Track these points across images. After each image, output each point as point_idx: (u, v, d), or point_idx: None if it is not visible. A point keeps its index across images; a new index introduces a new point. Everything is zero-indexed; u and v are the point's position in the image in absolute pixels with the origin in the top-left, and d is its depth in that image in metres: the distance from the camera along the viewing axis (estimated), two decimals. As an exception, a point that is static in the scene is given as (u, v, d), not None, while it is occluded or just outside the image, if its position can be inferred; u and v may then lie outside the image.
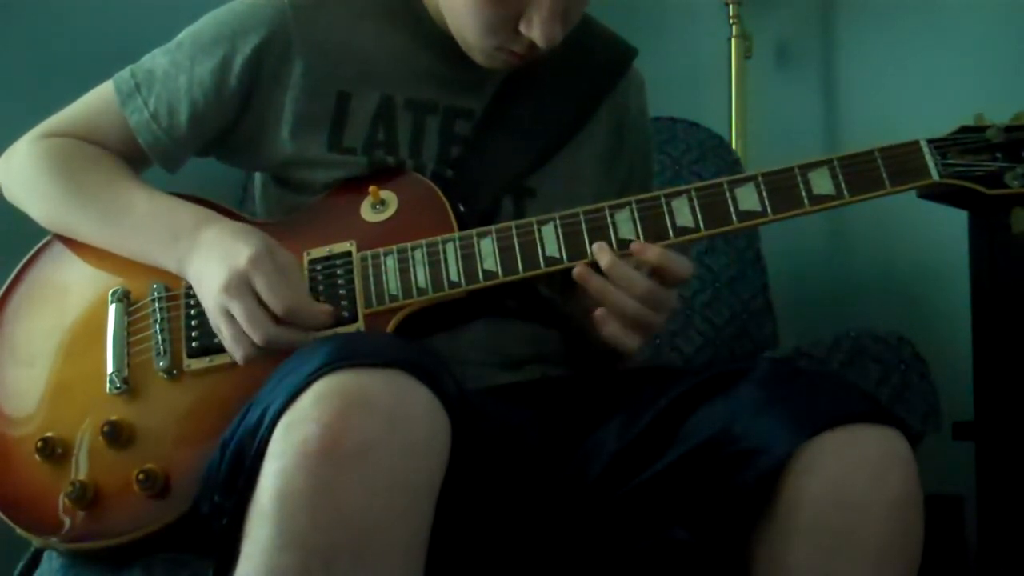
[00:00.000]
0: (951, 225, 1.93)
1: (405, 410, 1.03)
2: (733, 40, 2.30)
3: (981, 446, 1.86)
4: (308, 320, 1.22)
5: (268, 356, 1.22)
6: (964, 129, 1.25)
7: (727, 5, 2.31)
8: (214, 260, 1.24)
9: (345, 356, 1.04)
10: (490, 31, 1.29)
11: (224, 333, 1.23)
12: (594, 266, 1.24)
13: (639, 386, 1.29)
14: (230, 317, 1.22)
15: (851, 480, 1.11)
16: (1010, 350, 1.85)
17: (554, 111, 1.40)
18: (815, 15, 2.39)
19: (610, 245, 1.24)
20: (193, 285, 1.27)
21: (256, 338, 1.21)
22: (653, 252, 1.23)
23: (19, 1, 1.93)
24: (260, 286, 1.21)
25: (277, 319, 1.21)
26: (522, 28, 1.27)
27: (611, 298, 1.22)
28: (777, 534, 1.13)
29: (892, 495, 1.11)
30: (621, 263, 1.22)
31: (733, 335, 1.90)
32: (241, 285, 1.21)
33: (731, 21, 2.30)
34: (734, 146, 2.22)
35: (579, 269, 1.23)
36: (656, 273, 1.23)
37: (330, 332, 1.23)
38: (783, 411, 1.15)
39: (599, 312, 1.23)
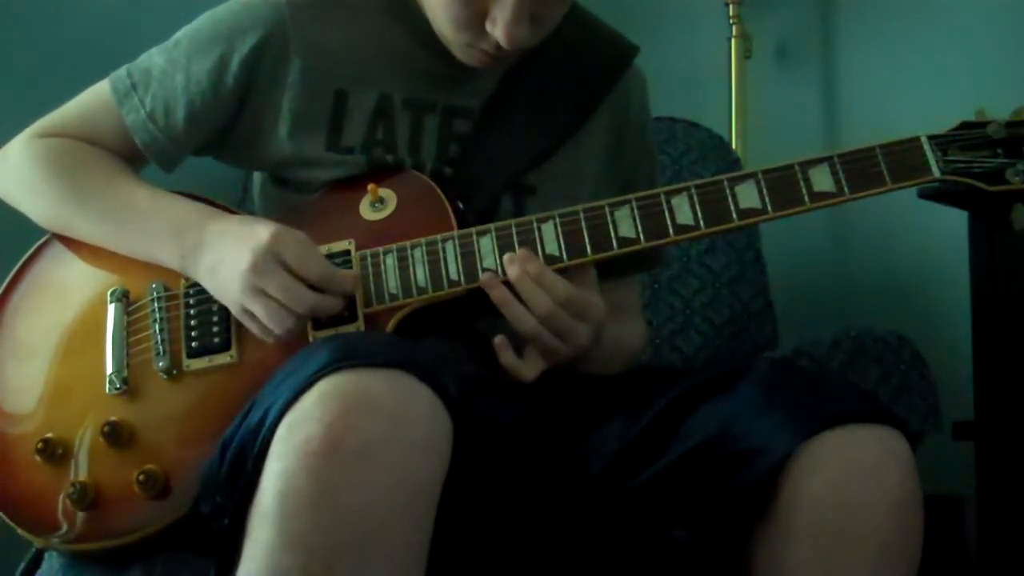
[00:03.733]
0: (951, 225, 1.93)
1: (407, 410, 1.03)
2: (733, 40, 2.30)
3: (981, 446, 1.86)
4: (341, 286, 1.22)
5: (268, 352, 1.22)
6: (965, 125, 1.24)
7: (727, 5, 2.31)
8: (230, 247, 1.24)
9: (347, 356, 1.04)
10: (459, 27, 1.29)
11: (258, 312, 1.22)
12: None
13: (639, 386, 1.29)
14: (263, 295, 1.21)
15: (851, 480, 1.11)
16: (1010, 350, 1.85)
17: (554, 108, 1.40)
18: (815, 15, 2.39)
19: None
20: (204, 277, 1.27)
21: (301, 308, 1.20)
22: (531, 265, 1.23)
23: (18, 0, 1.93)
24: (290, 258, 1.20)
25: (312, 288, 1.21)
26: (487, 27, 1.27)
27: (512, 310, 1.22)
28: (777, 534, 1.13)
29: (892, 495, 1.11)
30: (527, 278, 1.22)
31: (733, 335, 1.90)
32: (270, 261, 1.20)
33: (731, 21, 2.31)
34: (734, 146, 2.23)
35: (486, 276, 1.23)
36: (566, 303, 1.22)
37: (330, 332, 1.23)
38: (783, 411, 1.15)
39: (498, 340, 1.23)
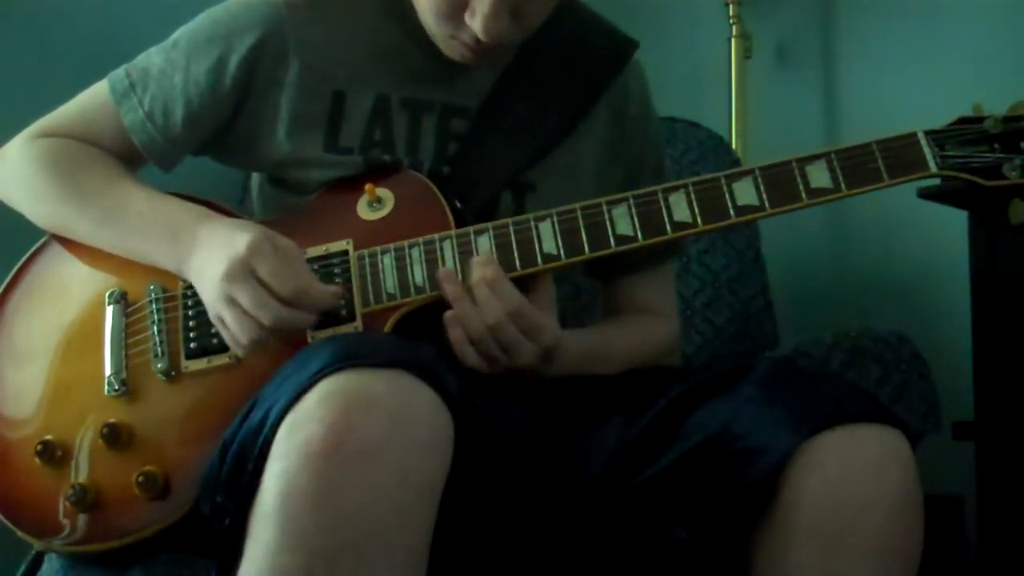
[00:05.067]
0: (951, 225, 1.93)
1: (408, 410, 1.03)
2: (733, 40, 2.30)
3: (981, 446, 1.86)
4: (316, 301, 1.21)
5: (267, 352, 1.22)
6: (962, 120, 1.24)
7: (727, 5, 2.31)
8: (213, 251, 1.23)
9: (348, 356, 1.04)
10: (440, 18, 1.29)
11: (228, 320, 1.22)
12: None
13: (639, 386, 1.29)
14: (233, 304, 1.20)
15: (851, 480, 1.11)
16: (1010, 350, 1.85)
17: (552, 105, 1.40)
18: (815, 15, 2.40)
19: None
20: (194, 281, 1.27)
21: (265, 320, 1.19)
22: (490, 270, 1.22)
23: (18, 0, 1.93)
24: (263, 270, 1.20)
25: (284, 302, 1.20)
26: (466, 19, 1.27)
27: (463, 308, 1.22)
28: (777, 534, 1.13)
29: (892, 495, 1.11)
30: (483, 283, 1.21)
31: (733, 335, 1.90)
32: (243, 271, 1.20)
33: (731, 21, 2.31)
34: (734, 146, 2.23)
35: (443, 269, 1.23)
36: (514, 316, 1.22)
37: (329, 332, 1.23)
38: (783, 411, 1.15)
39: (448, 314, 1.22)
